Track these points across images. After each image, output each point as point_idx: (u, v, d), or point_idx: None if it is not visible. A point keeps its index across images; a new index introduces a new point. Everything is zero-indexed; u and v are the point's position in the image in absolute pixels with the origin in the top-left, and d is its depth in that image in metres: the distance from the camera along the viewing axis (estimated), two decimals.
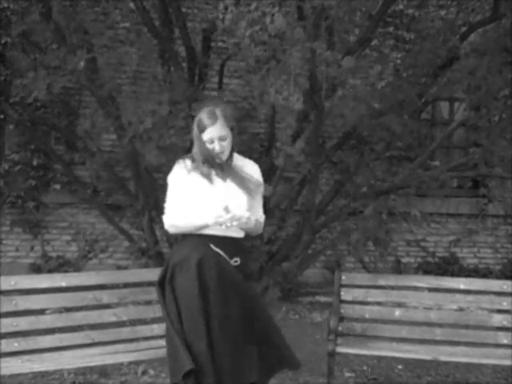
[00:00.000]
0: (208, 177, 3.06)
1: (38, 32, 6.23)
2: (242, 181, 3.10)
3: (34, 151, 7.84)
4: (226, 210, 2.91)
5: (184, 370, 2.81)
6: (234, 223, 2.94)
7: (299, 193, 6.96)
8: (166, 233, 6.48)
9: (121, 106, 5.92)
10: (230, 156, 3.14)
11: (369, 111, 5.67)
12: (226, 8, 4.46)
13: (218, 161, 3.09)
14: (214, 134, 3.06)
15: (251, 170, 3.20)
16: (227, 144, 3.08)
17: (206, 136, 3.07)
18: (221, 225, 2.94)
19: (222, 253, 3.03)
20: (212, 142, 3.06)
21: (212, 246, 3.02)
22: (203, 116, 3.09)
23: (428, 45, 6.29)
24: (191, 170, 3.08)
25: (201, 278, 2.94)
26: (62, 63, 5.55)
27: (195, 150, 3.12)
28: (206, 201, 3.01)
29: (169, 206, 3.12)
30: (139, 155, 6.53)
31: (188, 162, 3.10)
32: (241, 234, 3.13)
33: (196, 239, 3.05)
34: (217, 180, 3.07)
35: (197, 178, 3.06)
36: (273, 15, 4.12)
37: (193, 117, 3.23)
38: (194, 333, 2.90)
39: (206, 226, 3.00)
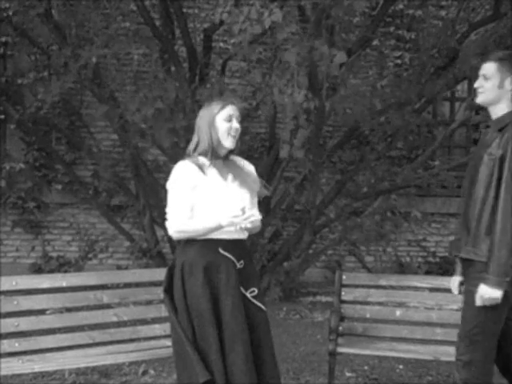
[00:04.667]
0: (202, 168, 2.90)
1: (39, 31, 6.23)
2: (244, 179, 2.97)
3: (35, 151, 7.85)
4: (243, 210, 2.77)
5: (198, 382, 2.71)
6: (249, 225, 2.80)
7: (300, 193, 6.97)
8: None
9: (125, 103, 5.93)
10: (229, 154, 3.02)
11: (370, 108, 5.68)
12: (224, 9, 4.46)
13: (223, 147, 2.95)
14: (234, 111, 2.97)
15: (249, 168, 3.08)
16: (239, 130, 2.99)
17: (225, 113, 2.94)
18: (234, 225, 2.80)
19: (230, 256, 2.88)
20: (230, 119, 2.94)
21: (221, 250, 2.87)
22: (223, 97, 3.07)
23: (428, 44, 6.29)
24: (193, 170, 2.91)
25: (210, 284, 2.84)
26: (70, 60, 5.55)
27: (202, 138, 2.95)
28: (218, 202, 2.87)
29: (172, 210, 2.92)
30: (141, 153, 6.55)
31: (187, 162, 2.94)
32: (245, 236, 2.98)
33: (203, 243, 2.88)
34: (221, 180, 2.92)
35: (201, 179, 2.90)
36: (271, 10, 4.11)
37: (198, 103, 3.16)
38: (205, 341, 2.80)
39: (220, 228, 2.84)
